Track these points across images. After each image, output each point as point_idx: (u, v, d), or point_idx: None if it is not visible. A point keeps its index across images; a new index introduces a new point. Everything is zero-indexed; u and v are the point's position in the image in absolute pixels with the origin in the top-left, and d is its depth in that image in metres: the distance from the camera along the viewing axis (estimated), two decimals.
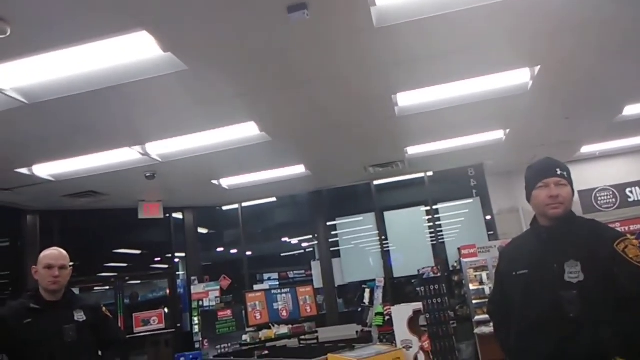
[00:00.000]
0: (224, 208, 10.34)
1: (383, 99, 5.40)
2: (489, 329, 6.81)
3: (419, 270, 6.88)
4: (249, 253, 10.23)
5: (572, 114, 6.68)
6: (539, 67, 5.07)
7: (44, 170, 6.35)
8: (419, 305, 6.40)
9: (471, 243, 7.95)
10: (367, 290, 8.00)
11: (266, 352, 6.41)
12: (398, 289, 9.48)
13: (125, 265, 10.26)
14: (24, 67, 3.89)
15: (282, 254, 12.58)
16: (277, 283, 11.29)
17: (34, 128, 5.02)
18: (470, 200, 9.67)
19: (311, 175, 8.27)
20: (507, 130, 7.15)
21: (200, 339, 7.68)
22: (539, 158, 2.22)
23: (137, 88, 4.26)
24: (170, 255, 9.84)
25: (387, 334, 6.81)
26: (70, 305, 2.99)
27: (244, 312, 7.13)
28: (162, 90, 4.46)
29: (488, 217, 9.60)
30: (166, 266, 9.99)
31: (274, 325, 6.87)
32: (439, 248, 9.49)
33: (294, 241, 12.34)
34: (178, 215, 9.90)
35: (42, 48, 3.63)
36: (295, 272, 12.16)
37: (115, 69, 4.05)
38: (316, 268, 10.15)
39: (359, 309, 8.21)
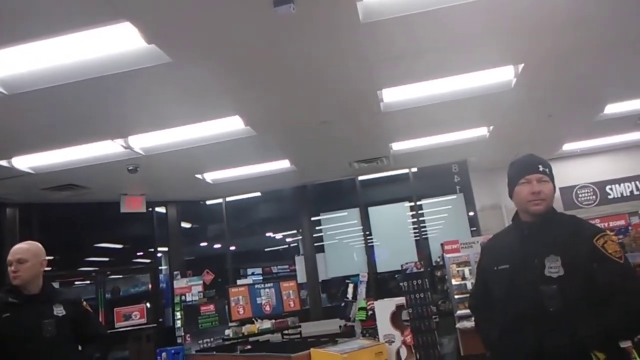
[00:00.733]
0: (208, 202, 10.28)
1: (368, 94, 5.41)
2: (470, 324, 6.89)
3: (402, 266, 6.92)
4: (232, 248, 10.18)
5: (555, 112, 6.77)
6: (523, 65, 5.12)
7: (24, 162, 6.23)
8: (401, 300, 6.43)
9: (454, 239, 8.02)
10: (351, 285, 8.02)
11: (249, 346, 6.40)
12: (382, 284, 9.53)
13: (106, 259, 10.15)
14: (3, 58, 3.81)
15: (266, 249, 12.56)
16: (261, 278, 11.28)
17: (14, 119, 4.92)
18: (454, 196, 9.75)
19: (296, 170, 8.26)
20: (491, 127, 7.22)
21: (183, 333, 7.62)
22: (521, 155, 2.25)
23: (120, 80, 4.20)
24: (152, 250, 9.75)
25: (370, 329, 6.83)
26: (49, 299, 2.95)
27: (226, 306, 7.11)
28: (145, 82, 4.40)
29: (471, 213, 9.70)
30: (148, 260, 9.90)
31: (257, 320, 6.87)
32: (422, 243, 9.56)
33: (278, 236, 12.33)
34: (161, 209, 9.81)
35: (22, 38, 3.56)
36: (279, 267, 12.17)
37: (97, 61, 3.98)
38: (300, 263, 10.15)
39: (343, 304, 8.23)
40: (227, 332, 6.78)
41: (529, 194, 2.09)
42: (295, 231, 11.13)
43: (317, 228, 10.30)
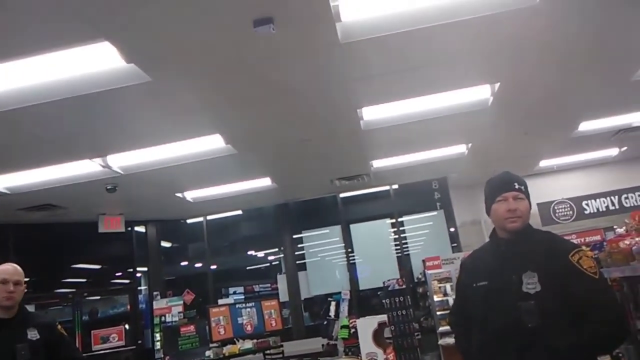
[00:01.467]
0: (189, 221, 10.18)
1: (348, 112, 5.45)
2: (453, 340, 6.88)
3: (384, 282, 6.93)
4: (214, 267, 10.08)
5: (531, 130, 6.91)
6: (499, 84, 5.23)
7: None
8: (383, 317, 6.42)
9: (435, 255, 8.07)
10: (333, 303, 7.99)
11: None
12: (364, 301, 9.51)
13: (84, 280, 9.94)
14: None
15: (248, 268, 12.46)
16: (243, 297, 11.16)
17: None
18: (435, 213, 9.84)
19: (277, 188, 8.25)
20: (470, 145, 7.33)
21: (162, 355, 7.49)
22: (498, 172, 2.29)
23: (99, 99, 4.16)
24: (131, 270, 9.60)
25: (352, 347, 6.79)
26: (23, 323, 2.88)
27: (207, 327, 7.01)
28: (124, 101, 4.37)
29: (452, 229, 9.78)
30: (127, 281, 9.73)
31: (238, 340, 6.79)
32: (404, 260, 9.59)
33: (260, 254, 12.26)
34: (141, 229, 9.68)
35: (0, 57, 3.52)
36: (261, 285, 12.06)
37: (76, 79, 3.95)
38: (282, 281, 10.09)
39: (325, 322, 8.18)
40: (207, 353, 6.69)
41: (505, 212, 2.12)
42: (277, 249, 11.08)
43: (299, 246, 10.27)
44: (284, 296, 9.72)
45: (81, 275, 9.91)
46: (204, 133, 5.53)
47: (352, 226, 9.96)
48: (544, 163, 9.01)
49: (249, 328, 7.07)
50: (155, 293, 8.99)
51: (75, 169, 5.97)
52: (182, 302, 8.66)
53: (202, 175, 6.95)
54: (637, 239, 2.95)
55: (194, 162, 6.15)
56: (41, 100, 4.08)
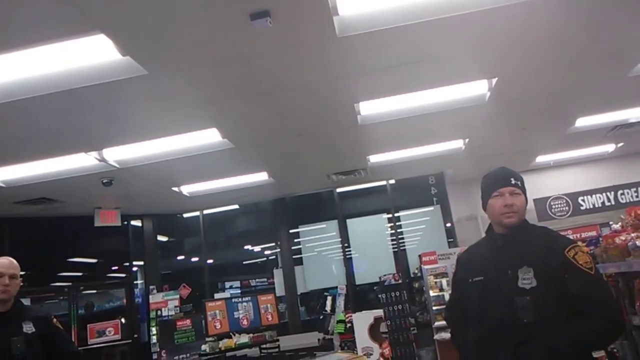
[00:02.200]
0: (185, 215, 10.17)
1: (346, 107, 5.44)
2: (448, 335, 6.90)
3: (380, 277, 6.94)
4: (210, 261, 10.07)
5: (528, 125, 6.91)
6: (496, 79, 5.22)
7: None
8: (379, 312, 6.44)
9: (431, 250, 8.07)
10: (329, 298, 8.00)
11: None
12: (360, 296, 9.53)
13: (80, 274, 9.92)
14: None
15: (245, 262, 12.44)
16: (239, 291, 11.15)
17: None
18: (431, 208, 9.85)
19: (274, 183, 8.24)
20: (467, 140, 7.32)
21: (158, 349, 7.49)
22: (494, 167, 2.28)
23: (95, 92, 4.15)
24: (128, 264, 9.58)
25: (348, 342, 6.82)
26: (19, 316, 2.87)
27: (203, 321, 7.02)
28: (120, 94, 4.35)
29: (448, 225, 9.79)
30: (123, 275, 9.72)
31: (234, 335, 6.79)
32: (400, 255, 9.60)
33: (257, 249, 12.24)
34: (137, 223, 9.66)
35: None
36: (257, 280, 12.05)
37: (71, 72, 3.93)
38: (278, 276, 10.10)
39: (321, 317, 8.19)
40: (203, 347, 6.69)
41: (501, 207, 2.12)
42: (273, 244, 11.07)
43: (295, 240, 10.28)
44: (280, 291, 9.73)
45: (77, 269, 9.88)
46: (200, 127, 5.51)
47: (348, 221, 9.96)
48: (540, 159, 9.02)
49: (245, 322, 7.07)
50: (151, 287, 8.99)
51: (71, 162, 5.95)
52: (178, 296, 8.67)
53: (198, 169, 6.93)
54: (632, 234, 2.95)
55: (190, 157, 6.14)
56: (36, 93, 4.05)
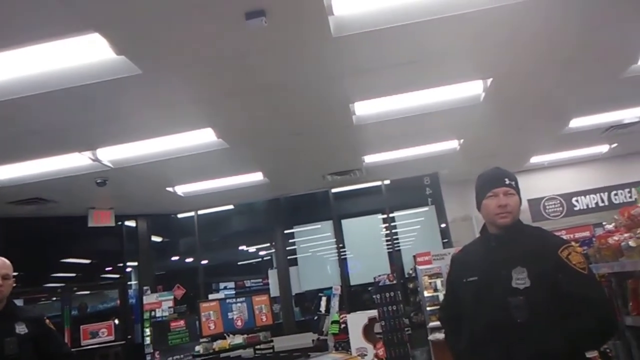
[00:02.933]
0: (180, 216, 10.14)
1: (341, 107, 5.44)
2: (442, 336, 6.90)
3: (375, 278, 6.94)
4: (204, 262, 10.04)
5: (523, 126, 6.94)
6: (491, 79, 5.23)
7: None
8: (374, 312, 6.44)
9: (426, 250, 8.08)
10: (324, 298, 8.00)
11: None
12: (355, 297, 9.53)
13: (73, 275, 9.87)
14: None
15: (239, 263, 12.43)
16: (234, 292, 11.15)
17: None
18: (426, 209, 9.86)
19: (269, 183, 8.22)
20: (461, 140, 7.34)
21: (152, 350, 7.45)
22: (489, 168, 2.29)
23: (89, 91, 4.12)
24: (121, 265, 9.54)
25: (342, 342, 6.81)
26: (11, 317, 2.87)
27: (197, 322, 6.99)
28: (115, 94, 4.33)
29: (443, 225, 9.81)
30: (117, 276, 9.68)
31: (228, 335, 6.77)
32: (395, 255, 9.61)
33: (251, 249, 12.24)
34: (131, 223, 9.62)
35: None
36: (252, 280, 12.05)
37: (65, 71, 3.90)
38: (273, 276, 10.09)
39: (315, 317, 8.19)
40: (197, 348, 6.67)
41: (496, 207, 2.12)
42: (268, 244, 11.07)
43: (290, 241, 10.27)
44: (275, 291, 9.72)
45: (70, 269, 9.84)
46: (195, 127, 5.49)
47: (343, 221, 9.96)
48: (534, 159, 9.06)
49: (239, 323, 7.06)
50: (145, 288, 8.95)
51: (65, 162, 5.91)
52: (172, 297, 8.64)
53: (193, 169, 6.91)
54: (625, 235, 2.96)
55: (185, 156, 6.11)
56: (30, 92, 4.02)
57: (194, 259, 10.14)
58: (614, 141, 8.56)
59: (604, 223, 4.73)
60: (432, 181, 9.71)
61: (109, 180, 6.63)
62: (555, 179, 9.72)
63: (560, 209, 9.54)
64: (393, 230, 9.84)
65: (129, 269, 9.79)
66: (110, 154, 5.90)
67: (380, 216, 9.96)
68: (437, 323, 7.15)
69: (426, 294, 7.68)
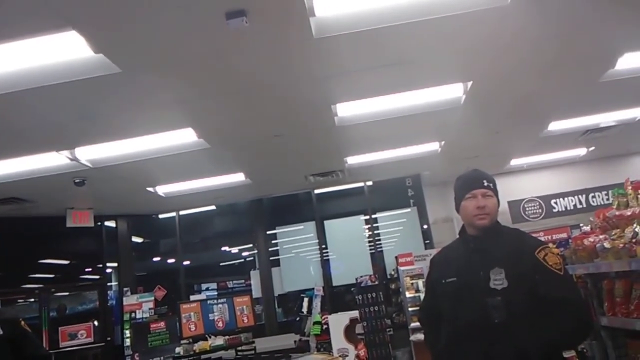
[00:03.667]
0: (161, 216, 10.03)
1: (323, 108, 5.44)
2: (423, 336, 6.96)
3: (357, 279, 6.95)
4: (186, 262, 9.96)
5: (502, 129, 7.02)
6: (471, 82, 5.28)
7: None
8: (355, 313, 6.45)
9: (408, 251, 8.13)
10: (306, 300, 7.98)
11: None
12: (338, 298, 9.54)
13: (51, 276, 9.70)
14: None
15: (221, 264, 12.34)
16: (216, 293, 11.06)
17: None
18: (408, 210, 9.92)
19: (251, 184, 8.19)
20: (442, 142, 7.39)
21: (131, 352, 7.36)
22: (467, 170, 2.31)
23: (66, 90, 4.05)
24: (101, 265, 9.40)
25: (324, 343, 6.81)
26: None
27: (178, 323, 6.92)
28: (93, 92, 4.27)
29: (425, 226, 9.87)
30: (97, 277, 9.54)
31: (209, 337, 6.71)
32: (377, 256, 9.65)
33: (234, 250, 12.15)
34: (111, 224, 9.49)
35: None
36: (234, 281, 11.97)
37: (43, 69, 3.84)
38: (255, 277, 10.04)
39: (297, 318, 8.17)
40: (177, 350, 6.59)
41: (474, 209, 2.14)
42: (250, 245, 11.01)
43: (272, 242, 10.23)
44: (257, 292, 9.68)
45: (49, 270, 9.67)
46: (175, 127, 5.44)
47: (326, 222, 9.97)
48: (514, 162, 9.17)
49: (220, 324, 7.00)
50: (125, 289, 8.85)
51: (42, 161, 5.81)
52: (153, 298, 8.54)
53: (174, 169, 6.84)
54: (601, 236, 3.01)
55: (165, 156, 6.05)
56: (6, 90, 3.95)
57: (175, 259, 10.05)
58: (591, 144, 8.70)
59: (580, 225, 4.80)
60: (414, 182, 9.77)
61: (87, 180, 6.53)
62: (535, 181, 9.85)
63: (540, 210, 9.67)
64: (375, 232, 9.87)
65: (108, 270, 9.65)
66: (89, 154, 5.81)
67: (363, 217, 9.98)
68: (419, 324, 7.21)
69: (408, 294, 7.72)
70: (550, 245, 2.24)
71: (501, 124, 6.80)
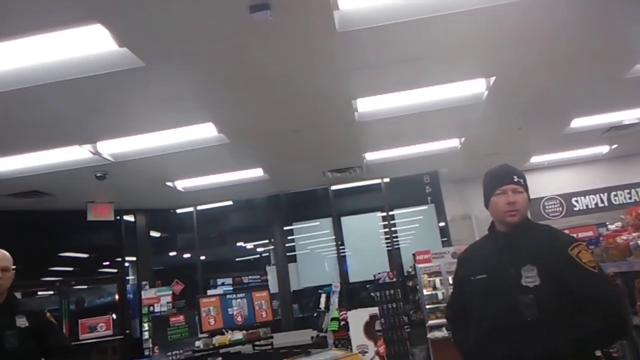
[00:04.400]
0: (179, 211, 10.10)
1: (343, 103, 5.41)
2: (441, 334, 6.93)
3: (374, 276, 6.92)
4: (203, 257, 10.02)
5: (524, 125, 6.92)
6: (494, 78, 5.21)
7: None
8: (375, 310, 6.43)
9: (425, 249, 8.08)
10: (323, 295, 7.98)
11: (220, 358, 6.30)
12: (354, 294, 9.52)
13: (71, 269, 9.83)
14: None
15: (237, 259, 12.40)
16: (232, 288, 11.12)
17: None
18: (425, 207, 9.84)
19: (269, 179, 8.19)
20: (462, 139, 7.32)
21: (151, 345, 7.43)
22: (495, 165, 2.26)
23: (90, 83, 4.08)
24: (120, 259, 9.50)
25: (342, 339, 6.80)
26: (12, 310, 2.83)
27: (197, 317, 6.97)
28: (116, 86, 4.29)
29: (442, 224, 9.79)
30: (115, 270, 9.64)
31: (228, 331, 6.75)
32: (394, 253, 9.59)
33: (250, 246, 12.19)
34: (130, 218, 9.59)
35: None
36: (250, 277, 12.02)
37: (66, 63, 3.87)
38: (272, 273, 10.07)
39: (315, 314, 8.17)
40: (197, 343, 6.64)
41: (504, 205, 2.10)
42: (267, 241, 11.04)
43: (289, 238, 10.24)
44: (273, 288, 9.70)
45: (69, 263, 9.79)
46: (196, 121, 5.46)
47: (342, 219, 9.94)
48: (535, 159, 9.05)
49: (239, 319, 7.04)
50: (143, 283, 8.93)
51: (64, 155, 5.87)
52: (170, 292, 8.61)
53: (193, 164, 6.87)
54: (634, 234, 2.95)
55: (185, 151, 6.08)
56: (30, 83, 3.99)
57: (192, 254, 10.12)
58: (614, 142, 8.56)
59: (607, 223, 4.72)
60: (432, 179, 9.69)
61: (108, 174, 6.59)
62: (555, 179, 9.72)
63: (560, 209, 9.55)
64: (392, 228, 9.82)
65: (127, 264, 9.75)
66: (111, 148, 5.86)
67: (380, 214, 9.93)
68: (437, 321, 7.17)
69: (425, 292, 7.68)
70: (583, 242, 2.19)
71: (523, 120, 6.71)
